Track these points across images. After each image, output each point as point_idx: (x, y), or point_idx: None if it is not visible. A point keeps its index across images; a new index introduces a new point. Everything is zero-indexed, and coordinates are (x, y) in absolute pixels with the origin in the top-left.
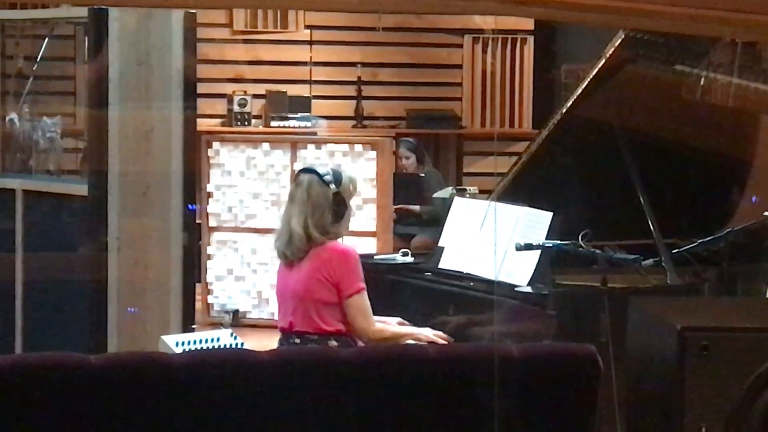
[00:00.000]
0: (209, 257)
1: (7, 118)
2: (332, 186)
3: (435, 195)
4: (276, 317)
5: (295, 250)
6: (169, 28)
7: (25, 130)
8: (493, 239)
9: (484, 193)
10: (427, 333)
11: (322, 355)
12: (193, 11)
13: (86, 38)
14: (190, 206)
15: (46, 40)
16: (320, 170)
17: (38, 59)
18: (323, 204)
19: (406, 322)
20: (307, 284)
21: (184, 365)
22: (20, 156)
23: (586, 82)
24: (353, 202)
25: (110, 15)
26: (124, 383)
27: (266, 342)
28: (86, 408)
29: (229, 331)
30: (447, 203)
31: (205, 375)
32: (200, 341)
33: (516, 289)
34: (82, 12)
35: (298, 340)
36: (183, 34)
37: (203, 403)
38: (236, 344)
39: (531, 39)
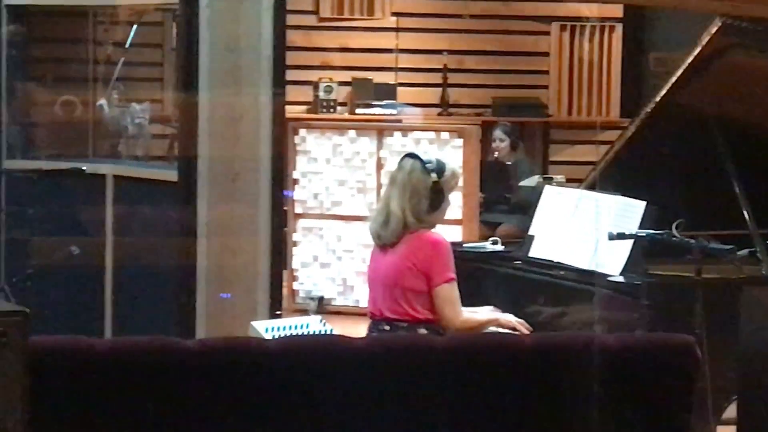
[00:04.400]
0: (295, 244)
1: (97, 104)
2: (433, 175)
3: (521, 183)
4: (360, 304)
5: (389, 233)
6: (259, 15)
7: (114, 116)
8: (585, 228)
9: (571, 182)
10: (510, 319)
11: (415, 343)
12: None
13: (176, 25)
14: (285, 192)
15: (135, 26)
16: (424, 157)
17: (127, 46)
18: (422, 191)
19: (499, 310)
20: (397, 271)
21: (279, 351)
22: (110, 142)
23: (680, 71)
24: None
25: (201, 2)
26: (219, 368)
27: (351, 329)
28: (182, 391)
29: (319, 317)
30: (534, 192)
31: (300, 360)
32: (290, 327)
33: (608, 278)
34: None
35: (387, 327)
36: (272, 20)
37: (298, 388)
38: (326, 330)
39: (620, 27)
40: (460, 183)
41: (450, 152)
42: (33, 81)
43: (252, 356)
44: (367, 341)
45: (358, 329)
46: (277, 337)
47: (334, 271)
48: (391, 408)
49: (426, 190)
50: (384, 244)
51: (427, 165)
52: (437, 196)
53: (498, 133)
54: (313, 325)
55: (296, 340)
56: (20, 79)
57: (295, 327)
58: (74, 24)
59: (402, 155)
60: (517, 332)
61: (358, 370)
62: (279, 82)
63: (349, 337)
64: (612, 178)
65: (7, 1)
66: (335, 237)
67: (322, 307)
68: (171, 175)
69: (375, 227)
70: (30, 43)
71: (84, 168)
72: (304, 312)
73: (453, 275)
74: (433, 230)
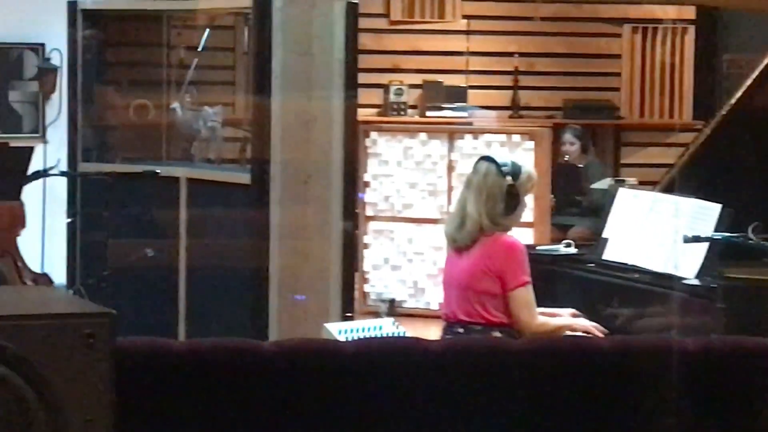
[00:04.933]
0: (366, 246)
1: (170, 108)
2: (508, 178)
3: (593, 186)
4: (431, 307)
5: (465, 236)
6: (331, 18)
7: (187, 119)
8: (660, 231)
9: (643, 184)
10: (585, 323)
11: (492, 346)
12: (355, 1)
13: (248, 28)
14: (360, 195)
15: (208, 30)
16: (499, 160)
17: (200, 49)
18: (497, 194)
19: (579, 313)
20: (471, 274)
21: (355, 352)
22: (182, 145)
23: (757, 72)
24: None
25: (274, 5)
26: (296, 369)
27: (422, 331)
28: (259, 393)
29: (392, 319)
30: (606, 194)
31: (376, 362)
32: (363, 329)
33: (683, 281)
34: (245, 2)
35: (461, 330)
36: (344, 24)
37: (373, 390)
38: (399, 333)
39: (692, 28)
40: None
41: (521, 155)
42: (108, 85)
43: (328, 358)
44: (443, 344)
45: (429, 332)
46: (350, 339)
47: (405, 274)
48: (468, 411)
49: (501, 193)
50: (459, 246)
51: (502, 168)
52: (512, 199)
53: (568, 136)
54: (386, 327)
55: (372, 342)
56: (96, 83)
57: (368, 329)
58: (148, 28)
59: (478, 158)
60: (592, 336)
61: (433, 373)
62: (351, 86)
63: (425, 340)
64: (687, 181)
65: (83, 5)
66: (406, 239)
67: (392, 309)
68: (244, 177)
69: (450, 230)
70: (105, 47)
71: (158, 171)
72: (374, 314)
73: (528, 278)
74: (508, 233)
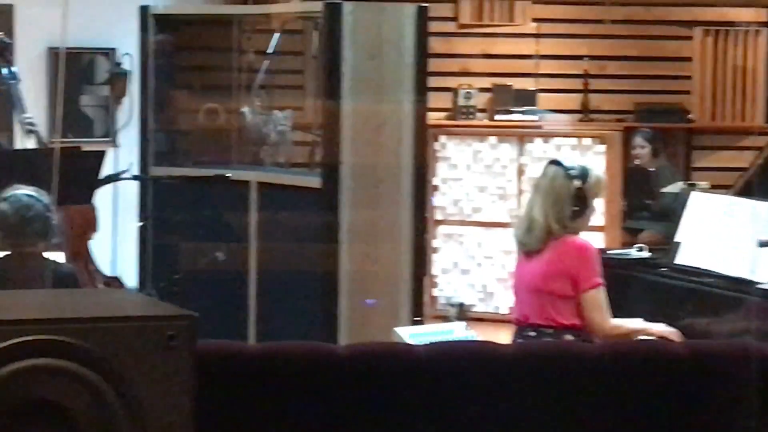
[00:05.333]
0: (435, 250)
1: (240, 112)
2: (576, 181)
3: (664, 189)
4: (500, 311)
5: (533, 240)
6: (401, 22)
7: (257, 123)
8: (734, 235)
9: (715, 188)
10: (661, 328)
11: (566, 350)
12: (425, 5)
13: (318, 33)
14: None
15: (277, 35)
16: (567, 164)
17: (269, 54)
18: (565, 197)
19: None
20: (543, 277)
21: (428, 356)
22: (252, 149)
23: None
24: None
25: (344, 10)
26: (370, 373)
27: (491, 336)
28: (333, 396)
29: (463, 323)
30: (678, 198)
31: (450, 366)
32: (434, 333)
33: (759, 286)
34: (314, 7)
35: (533, 333)
36: (414, 27)
37: (447, 394)
38: (470, 337)
39: (765, 31)
40: None
41: (592, 158)
42: (179, 89)
43: (401, 362)
44: (516, 347)
45: (499, 336)
46: (421, 343)
47: (475, 278)
48: (541, 415)
49: (569, 197)
50: (528, 250)
51: (570, 171)
52: (580, 203)
53: (638, 140)
54: (458, 331)
55: (445, 345)
56: (167, 88)
57: (440, 333)
58: (219, 32)
59: (547, 162)
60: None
61: (507, 376)
62: (421, 89)
63: (498, 343)
64: (762, 184)
65: (155, 10)
66: (475, 243)
67: (462, 313)
68: (314, 181)
69: (519, 234)
70: (176, 52)
71: (229, 175)
72: (443, 319)
73: (601, 280)
74: (578, 235)
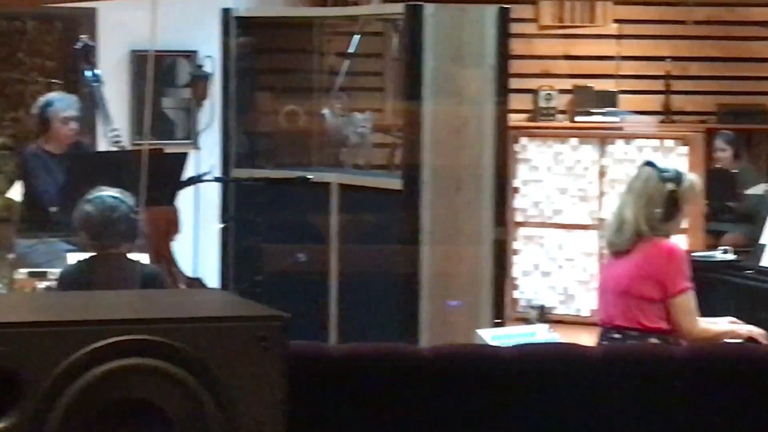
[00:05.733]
0: (515, 252)
1: (320, 114)
2: (669, 184)
3: (748, 191)
4: (582, 313)
5: (623, 241)
6: (483, 24)
7: (337, 125)
8: None
9: None
10: (751, 330)
11: (654, 353)
12: (507, 6)
13: (398, 34)
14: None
15: (356, 36)
16: (661, 166)
17: (348, 56)
18: (657, 200)
19: (738, 321)
20: (630, 279)
21: (513, 358)
22: (332, 150)
23: None
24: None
25: (425, 12)
26: (454, 375)
27: (573, 338)
28: (417, 398)
29: (546, 325)
30: (762, 200)
31: (535, 368)
32: (516, 335)
33: None
34: (394, 9)
35: (618, 336)
36: (496, 29)
37: (533, 396)
38: (554, 339)
39: None
40: None
41: (674, 160)
42: (260, 91)
43: (487, 363)
44: (602, 350)
45: (580, 338)
46: (504, 345)
47: (555, 280)
48: (627, 419)
49: (661, 199)
50: (617, 251)
51: (663, 174)
52: (672, 206)
53: (719, 142)
54: (540, 333)
55: (530, 347)
56: (248, 90)
57: (522, 335)
58: (300, 34)
59: (640, 163)
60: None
61: (593, 379)
62: (502, 91)
63: (583, 346)
64: None
65: (237, 13)
66: (556, 245)
67: (543, 315)
68: (395, 183)
69: (608, 234)
70: (257, 54)
71: (310, 177)
72: (524, 321)
73: (690, 284)
74: (668, 239)
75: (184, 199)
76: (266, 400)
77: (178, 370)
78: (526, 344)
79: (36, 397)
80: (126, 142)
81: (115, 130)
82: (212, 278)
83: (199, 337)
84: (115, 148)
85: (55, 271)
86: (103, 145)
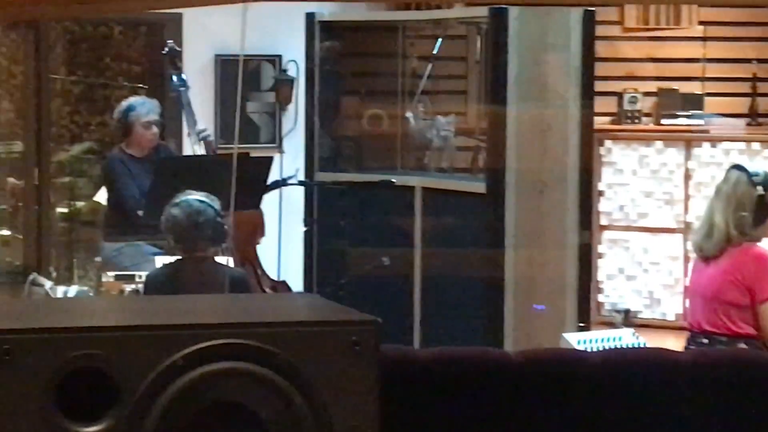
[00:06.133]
0: (600, 256)
1: (404, 117)
2: (759, 188)
3: None
4: (667, 317)
5: (712, 245)
6: (568, 27)
7: (420, 128)
8: None
9: None
10: None
11: (744, 359)
12: (592, 9)
13: (482, 38)
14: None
15: (440, 40)
16: (750, 170)
17: (432, 59)
18: (746, 204)
19: None
20: (718, 284)
21: (601, 363)
22: (416, 154)
23: None
24: None
25: (510, 14)
26: (543, 379)
27: (658, 343)
28: (506, 402)
29: (631, 330)
30: None
31: (624, 373)
32: (602, 340)
33: None
34: (479, 12)
35: (705, 341)
36: (581, 31)
37: (622, 401)
38: (639, 343)
39: None
40: None
41: (761, 163)
42: (344, 95)
43: (576, 368)
44: (692, 355)
45: (666, 343)
46: (590, 349)
47: (641, 284)
48: (717, 425)
49: (751, 203)
50: (706, 256)
51: (753, 177)
52: (762, 210)
53: None
54: (626, 337)
55: (618, 352)
56: (332, 94)
57: (608, 339)
58: (384, 38)
59: (729, 167)
60: None
61: (685, 385)
62: (587, 94)
63: (673, 351)
64: None
65: (321, 17)
66: (641, 249)
67: (627, 320)
68: (479, 186)
69: (697, 239)
70: (341, 58)
71: (394, 180)
72: (609, 325)
73: None
74: (758, 244)
75: (268, 202)
76: (359, 405)
77: (273, 374)
78: (615, 349)
79: (131, 400)
80: (214, 141)
81: (204, 130)
82: (296, 281)
83: (293, 342)
84: (202, 150)
85: (141, 274)
86: (188, 149)
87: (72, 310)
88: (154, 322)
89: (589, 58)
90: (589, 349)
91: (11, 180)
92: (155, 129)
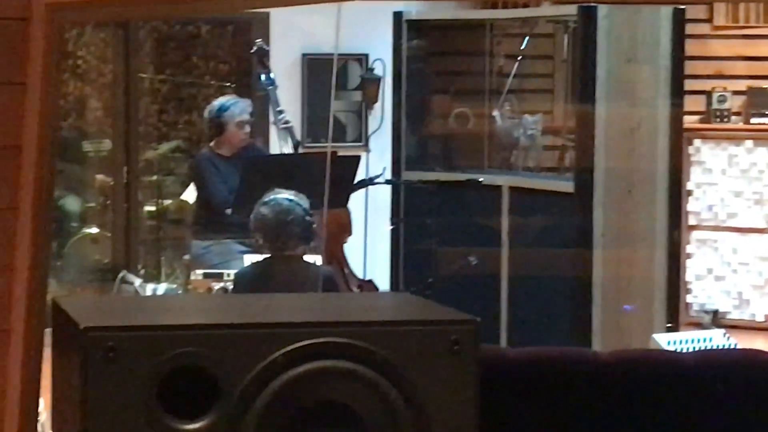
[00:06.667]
0: (688, 256)
1: (490, 116)
2: None
3: None
4: (757, 318)
5: None
6: (657, 25)
7: (507, 127)
8: None
9: None
10: None
11: None
12: (682, 7)
13: (570, 36)
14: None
15: (527, 38)
16: None
17: (519, 58)
18: None
19: None
20: None
21: (695, 364)
22: (502, 153)
23: None
24: None
25: (599, 13)
26: (635, 380)
27: (747, 344)
28: (597, 403)
29: (722, 331)
30: None
31: (718, 375)
32: (693, 341)
33: None
34: (567, 10)
35: None
36: (671, 30)
37: (717, 403)
38: (730, 345)
39: None
40: None
41: None
42: (431, 94)
43: (667, 369)
44: None
45: (755, 344)
46: (680, 350)
47: (729, 285)
48: None
49: None
50: None
51: None
52: None
53: None
54: (717, 338)
55: (714, 354)
56: (419, 93)
57: (698, 340)
58: (470, 37)
59: None
60: None
61: None
62: (676, 93)
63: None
64: None
65: (409, 16)
66: (730, 249)
67: (716, 320)
68: (566, 186)
69: None
70: (428, 57)
71: (481, 179)
72: (697, 325)
73: None
74: None
75: (354, 201)
76: (458, 405)
77: (372, 373)
78: (708, 350)
79: (232, 398)
80: (297, 133)
81: (284, 116)
82: (382, 281)
83: (392, 341)
84: (288, 144)
85: (230, 273)
86: (275, 147)
87: (170, 308)
88: (253, 320)
89: (678, 57)
90: (679, 350)
91: (100, 177)
92: (247, 129)
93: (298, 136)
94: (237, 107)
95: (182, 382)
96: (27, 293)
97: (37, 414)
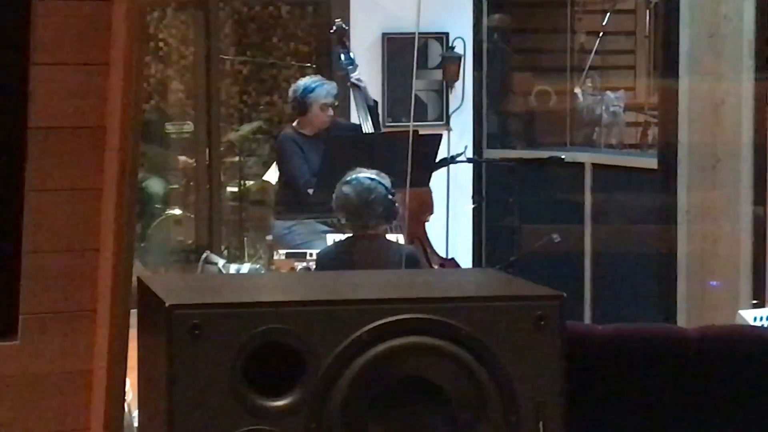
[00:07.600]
0: None
1: (572, 93)
2: None
3: None
4: None
5: None
6: None
7: (588, 104)
8: None
9: None
10: None
11: None
12: None
13: (650, 11)
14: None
15: (608, 14)
16: None
17: (600, 34)
18: None
19: None
20: None
21: None
22: (584, 130)
23: None
24: None
25: None
26: (722, 356)
27: None
28: (684, 380)
29: None
30: None
31: None
32: None
33: None
34: None
35: None
36: (754, 3)
37: None
38: None
39: None
40: None
41: None
42: (512, 72)
43: (755, 346)
44: None
45: None
46: (766, 326)
47: None
48: None
49: None
50: None
51: None
52: None
53: None
54: None
55: None
56: (500, 70)
57: None
58: (552, 13)
59: None
60: None
61: None
62: (762, 67)
63: None
64: None
65: None
66: None
67: None
68: (650, 162)
69: None
70: (510, 35)
71: (563, 156)
72: None
73: None
74: None
75: (436, 180)
76: (545, 381)
77: (458, 349)
78: None
79: (317, 375)
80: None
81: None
82: (464, 259)
83: (477, 316)
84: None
85: (312, 252)
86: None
87: (254, 286)
88: (338, 296)
89: (763, 30)
90: (766, 326)
91: (183, 159)
92: (331, 112)
93: (380, 115)
94: (323, 89)
95: (267, 359)
96: (112, 274)
97: (123, 394)
